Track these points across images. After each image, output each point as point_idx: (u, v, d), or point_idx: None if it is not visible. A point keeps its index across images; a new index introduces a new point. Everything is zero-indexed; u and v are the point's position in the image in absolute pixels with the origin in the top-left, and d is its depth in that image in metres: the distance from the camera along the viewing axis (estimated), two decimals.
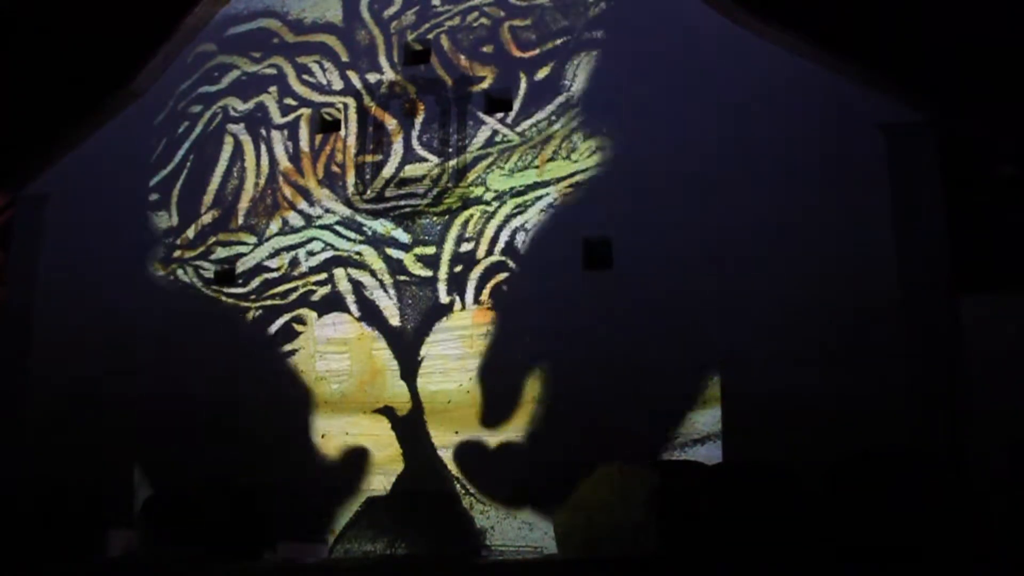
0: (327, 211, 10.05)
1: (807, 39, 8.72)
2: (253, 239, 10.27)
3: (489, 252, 9.42)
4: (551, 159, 9.40)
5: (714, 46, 9.01)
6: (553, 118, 9.45)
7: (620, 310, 8.86)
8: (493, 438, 9.03)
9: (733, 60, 8.92)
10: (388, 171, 9.93)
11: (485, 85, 9.77)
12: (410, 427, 9.33)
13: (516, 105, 9.61)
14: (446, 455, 9.15)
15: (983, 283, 8.16)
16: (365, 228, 9.88)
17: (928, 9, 8.87)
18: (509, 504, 8.85)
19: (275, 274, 10.11)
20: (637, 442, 8.43)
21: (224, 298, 10.23)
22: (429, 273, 9.59)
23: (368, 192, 9.96)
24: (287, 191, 10.27)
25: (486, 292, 9.34)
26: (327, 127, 10.36)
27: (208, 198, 10.55)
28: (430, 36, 10.08)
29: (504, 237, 9.39)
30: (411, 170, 9.85)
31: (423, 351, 9.44)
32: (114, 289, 10.50)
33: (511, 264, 9.30)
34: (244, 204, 10.39)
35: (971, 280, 8.15)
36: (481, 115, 9.72)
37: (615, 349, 8.78)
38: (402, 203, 9.81)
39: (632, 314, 8.81)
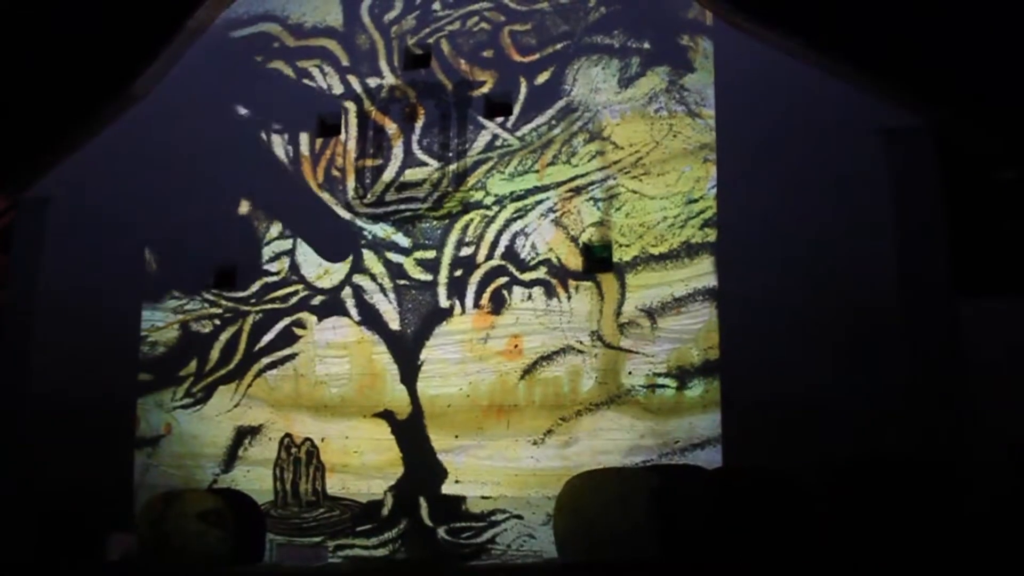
0: None
1: (806, 43, 8.72)
2: None
3: (489, 256, 9.42)
4: (551, 163, 9.40)
5: (713, 50, 9.01)
6: (553, 122, 9.45)
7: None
8: (493, 441, 9.04)
9: (732, 64, 8.92)
10: (388, 175, 9.94)
11: (485, 89, 9.78)
12: (410, 431, 9.33)
13: (516, 109, 9.61)
14: (446, 459, 9.15)
15: (983, 286, 8.16)
16: (365, 232, 9.89)
17: (927, 12, 8.87)
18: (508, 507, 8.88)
19: (275, 278, 10.12)
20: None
21: (224, 301, 10.24)
22: (429, 277, 9.59)
23: (368, 196, 9.96)
24: None
25: (486, 296, 9.35)
26: (327, 131, 10.37)
27: None
28: (431, 40, 10.08)
29: (504, 241, 9.40)
30: (411, 174, 9.85)
31: (423, 355, 9.44)
32: (115, 292, 10.50)
33: (511, 268, 9.32)
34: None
35: (971, 283, 8.15)
36: (481, 119, 9.73)
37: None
38: (402, 207, 9.82)
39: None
